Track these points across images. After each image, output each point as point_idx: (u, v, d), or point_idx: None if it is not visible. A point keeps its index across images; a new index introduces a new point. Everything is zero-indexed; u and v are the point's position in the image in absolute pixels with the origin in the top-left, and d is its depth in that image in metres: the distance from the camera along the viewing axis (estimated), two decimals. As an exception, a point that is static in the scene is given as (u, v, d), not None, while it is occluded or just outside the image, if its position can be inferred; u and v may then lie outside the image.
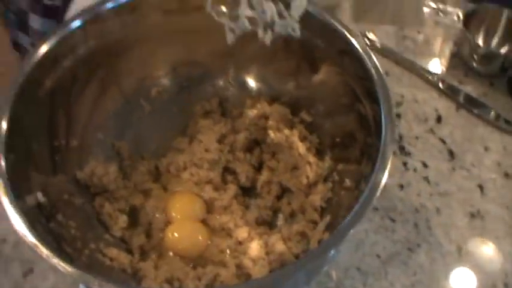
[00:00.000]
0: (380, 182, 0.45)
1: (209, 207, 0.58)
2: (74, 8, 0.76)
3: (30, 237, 0.41)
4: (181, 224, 0.56)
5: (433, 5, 0.72)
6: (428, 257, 0.57)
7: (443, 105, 0.69)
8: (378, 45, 0.74)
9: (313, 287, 0.54)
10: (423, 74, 0.71)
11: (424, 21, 0.75)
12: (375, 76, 0.50)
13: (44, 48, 0.50)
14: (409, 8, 0.82)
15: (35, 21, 0.89)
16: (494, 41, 0.73)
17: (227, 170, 0.60)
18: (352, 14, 1.05)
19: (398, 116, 0.68)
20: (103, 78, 0.56)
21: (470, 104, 0.69)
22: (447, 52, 0.74)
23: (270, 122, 0.59)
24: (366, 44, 0.73)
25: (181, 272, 0.52)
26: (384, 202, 0.61)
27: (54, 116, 0.52)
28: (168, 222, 0.56)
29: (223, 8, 0.48)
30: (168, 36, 0.58)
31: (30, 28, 0.91)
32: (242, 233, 0.55)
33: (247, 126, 0.61)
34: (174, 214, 0.56)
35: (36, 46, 0.50)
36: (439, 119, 0.68)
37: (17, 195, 0.43)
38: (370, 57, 0.51)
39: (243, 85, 0.63)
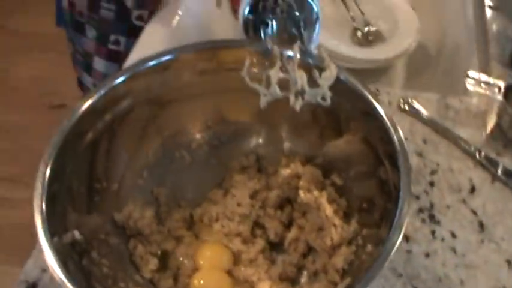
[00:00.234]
0: (394, 245, 0.47)
1: (236, 258, 0.60)
2: (133, 57, 0.82)
3: (59, 274, 0.45)
4: (208, 272, 0.59)
5: (476, 75, 0.73)
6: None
7: (479, 176, 0.70)
8: (419, 112, 0.75)
9: None
10: (460, 144, 0.72)
11: (468, 91, 0.76)
12: (396, 142, 0.52)
13: (88, 103, 0.55)
14: (455, 77, 0.84)
15: (99, 64, 0.97)
16: (536, 115, 0.73)
17: (257, 224, 0.63)
18: (404, 76, 1.07)
19: (432, 184, 0.69)
20: (145, 128, 0.61)
21: (507, 177, 0.69)
22: (487, 123, 0.75)
23: (302, 182, 0.62)
24: (404, 109, 0.75)
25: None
26: (408, 269, 0.62)
27: (95, 162, 0.57)
28: (195, 269, 0.59)
29: (257, 72, 0.51)
30: (201, 95, 0.63)
31: (93, 70, 0.98)
32: (264, 286, 0.58)
33: (280, 184, 0.64)
34: (202, 262, 0.60)
35: (81, 100, 0.55)
36: (472, 190, 0.69)
37: (53, 232, 0.48)
38: (393, 124, 0.53)
39: (279, 145, 0.66)
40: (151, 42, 0.84)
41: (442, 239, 0.65)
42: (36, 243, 0.50)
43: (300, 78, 0.50)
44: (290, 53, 0.53)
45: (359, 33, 1.02)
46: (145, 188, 0.63)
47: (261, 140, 0.66)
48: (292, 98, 0.52)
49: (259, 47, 0.55)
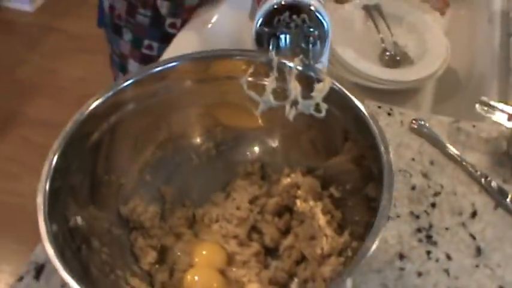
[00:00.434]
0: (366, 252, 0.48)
1: (230, 259, 0.63)
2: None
3: (54, 259, 0.49)
4: (201, 269, 0.62)
5: (488, 101, 0.74)
6: None
7: (482, 201, 0.70)
8: (429, 133, 0.76)
9: None
10: (467, 167, 0.73)
11: (482, 117, 0.77)
12: (384, 159, 0.53)
13: (94, 104, 0.59)
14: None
15: (133, 66, 1.02)
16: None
17: (255, 229, 0.66)
18: (432, 100, 1.08)
19: (433, 205, 0.70)
20: (150, 130, 0.65)
21: (510, 205, 0.69)
22: (497, 149, 0.75)
23: (300, 192, 0.64)
24: (415, 129, 0.77)
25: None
26: (399, 286, 0.63)
27: (103, 157, 0.61)
28: (190, 266, 0.62)
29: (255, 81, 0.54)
30: (198, 101, 0.66)
31: (128, 72, 1.03)
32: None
33: (280, 192, 0.66)
34: (197, 259, 0.62)
35: (88, 102, 0.59)
36: (474, 214, 0.69)
37: (54, 218, 0.52)
38: (384, 142, 0.54)
39: (283, 155, 0.68)
40: (182, 48, 0.89)
41: (437, 260, 0.65)
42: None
43: (294, 89, 0.53)
44: (291, 64, 0.56)
45: (387, 55, 1.04)
46: (152, 185, 0.67)
47: (266, 149, 0.69)
48: (287, 108, 0.55)
49: (262, 58, 0.58)
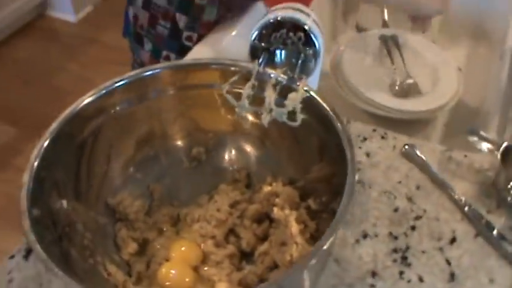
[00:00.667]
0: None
1: (205, 258, 0.66)
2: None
3: (33, 243, 0.52)
4: (176, 264, 0.65)
5: (481, 132, 0.75)
6: None
7: (463, 229, 0.71)
8: (419, 159, 0.78)
9: None
10: (452, 195, 0.73)
11: (476, 148, 0.78)
12: (349, 175, 0.55)
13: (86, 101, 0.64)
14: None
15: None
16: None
17: (233, 232, 0.68)
18: (443, 132, 1.09)
19: (413, 228, 0.71)
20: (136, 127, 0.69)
21: (491, 235, 0.70)
22: (486, 180, 0.76)
23: (278, 200, 0.67)
24: (406, 154, 0.78)
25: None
26: (367, 302, 0.64)
27: (86, 155, 0.65)
28: (166, 260, 0.65)
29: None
30: (178, 107, 0.70)
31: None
32: (221, 287, 0.62)
33: (261, 200, 0.69)
34: (173, 254, 0.66)
35: (77, 101, 0.63)
36: (453, 240, 0.70)
37: (36, 202, 0.55)
38: (352, 159, 0.56)
39: (268, 165, 0.71)
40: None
41: (409, 281, 0.66)
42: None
43: (269, 96, 0.56)
44: (271, 73, 0.59)
45: (398, 85, 1.06)
46: (143, 182, 0.71)
47: (253, 158, 0.72)
48: (264, 114, 0.58)
49: (245, 68, 0.62)
